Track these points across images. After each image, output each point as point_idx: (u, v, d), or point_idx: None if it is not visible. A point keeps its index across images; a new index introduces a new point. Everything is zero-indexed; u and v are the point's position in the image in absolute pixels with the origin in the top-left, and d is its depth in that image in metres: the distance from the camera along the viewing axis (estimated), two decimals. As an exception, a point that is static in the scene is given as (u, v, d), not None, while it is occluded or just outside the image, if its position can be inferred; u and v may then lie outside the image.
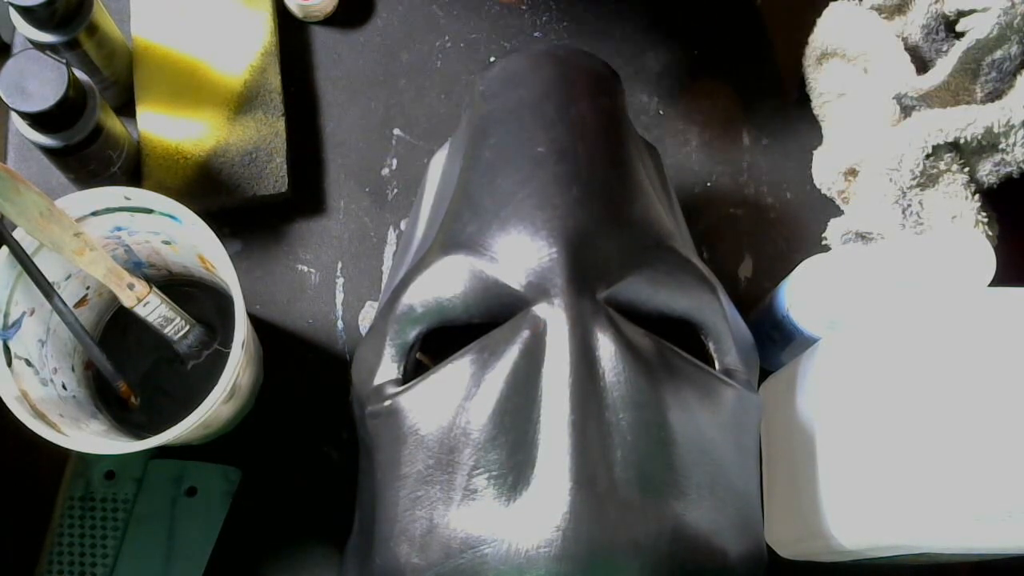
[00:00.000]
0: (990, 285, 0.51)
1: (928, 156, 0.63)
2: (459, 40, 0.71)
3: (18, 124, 0.58)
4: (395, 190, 0.69)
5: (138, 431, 0.61)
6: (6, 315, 0.54)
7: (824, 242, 0.68)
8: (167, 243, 0.59)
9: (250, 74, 0.67)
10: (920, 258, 0.52)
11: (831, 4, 0.66)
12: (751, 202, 0.69)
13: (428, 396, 0.47)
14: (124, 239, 0.58)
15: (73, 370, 0.60)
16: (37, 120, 0.56)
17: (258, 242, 0.67)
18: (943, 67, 0.62)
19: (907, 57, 0.63)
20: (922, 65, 0.64)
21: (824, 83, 0.68)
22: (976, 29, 0.61)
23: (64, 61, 0.55)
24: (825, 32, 0.67)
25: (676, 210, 0.56)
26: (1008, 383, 0.47)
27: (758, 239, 0.69)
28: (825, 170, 0.68)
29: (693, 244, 0.56)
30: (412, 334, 0.50)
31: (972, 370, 0.48)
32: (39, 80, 0.55)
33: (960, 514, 0.46)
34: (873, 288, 0.55)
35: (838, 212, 0.68)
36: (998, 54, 0.62)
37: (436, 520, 0.46)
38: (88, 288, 0.60)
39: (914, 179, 0.64)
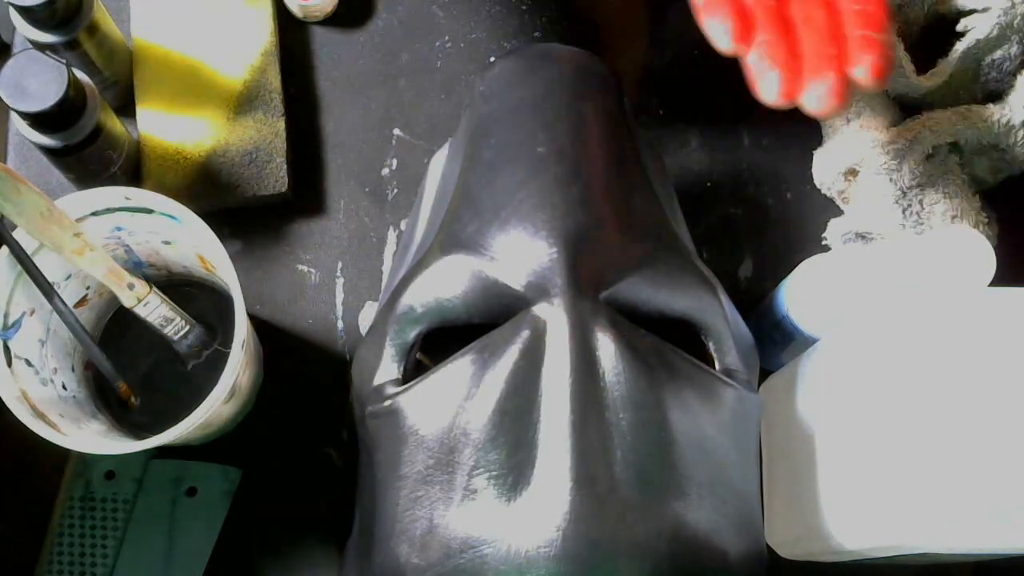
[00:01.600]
0: (990, 285, 0.51)
1: (928, 156, 0.63)
2: (459, 40, 0.71)
3: (18, 124, 0.58)
4: (395, 190, 0.69)
5: (138, 431, 0.61)
6: (6, 315, 0.54)
7: (824, 242, 0.68)
8: (167, 243, 0.59)
9: (250, 74, 0.67)
10: (920, 258, 0.52)
11: (831, 4, 0.66)
12: (751, 202, 0.69)
13: (428, 396, 0.47)
14: (124, 239, 0.58)
15: (73, 370, 0.60)
16: (37, 120, 0.56)
17: (258, 242, 0.67)
18: (943, 67, 0.62)
19: (907, 57, 0.63)
20: (922, 65, 0.64)
21: (824, 83, 0.68)
22: (976, 29, 0.61)
23: (64, 61, 0.55)
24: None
25: (676, 210, 0.56)
26: (1008, 383, 0.47)
27: (758, 239, 0.69)
28: (825, 170, 0.68)
29: (693, 244, 0.56)
30: (412, 334, 0.50)
31: (972, 370, 0.47)
32: (39, 80, 0.55)
33: (961, 514, 0.46)
34: (873, 288, 0.55)
35: (838, 212, 0.68)
36: (998, 54, 0.62)
37: (436, 520, 0.46)
38: (88, 288, 0.60)
39: (914, 179, 0.64)
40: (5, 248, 0.53)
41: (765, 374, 0.62)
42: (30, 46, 0.60)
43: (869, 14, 0.48)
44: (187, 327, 0.60)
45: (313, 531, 0.63)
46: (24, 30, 0.60)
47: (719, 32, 0.48)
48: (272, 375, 0.65)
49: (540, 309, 0.46)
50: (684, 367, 0.48)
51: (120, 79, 0.66)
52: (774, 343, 0.62)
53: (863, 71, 0.46)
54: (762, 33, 0.48)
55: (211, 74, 0.67)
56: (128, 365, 0.61)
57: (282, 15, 0.70)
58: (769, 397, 0.61)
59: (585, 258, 0.47)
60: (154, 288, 0.58)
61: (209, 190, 0.65)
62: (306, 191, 0.68)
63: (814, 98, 0.46)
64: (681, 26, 0.73)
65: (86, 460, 0.61)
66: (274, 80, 0.67)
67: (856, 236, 0.65)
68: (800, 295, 0.58)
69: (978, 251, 0.51)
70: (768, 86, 0.47)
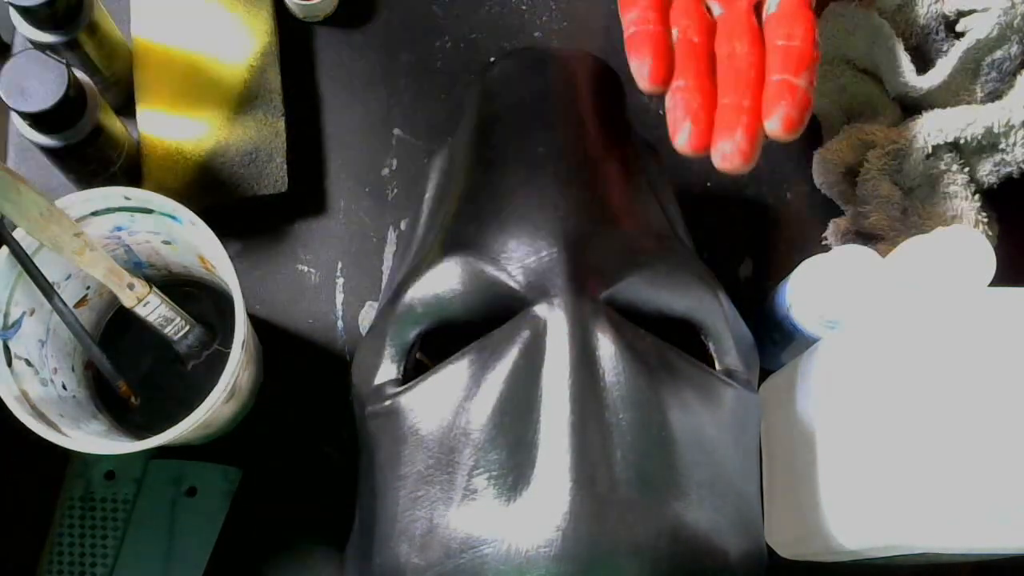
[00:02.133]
0: (990, 285, 0.51)
1: (928, 156, 0.63)
2: (459, 40, 0.71)
3: (18, 124, 0.58)
4: (395, 190, 0.69)
5: (138, 431, 0.61)
6: (6, 315, 0.54)
7: (824, 242, 0.68)
8: (167, 243, 0.59)
9: (250, 74, 0.67)
10: (920, 258, 0.52)
11: (831, 4, 0.66)
12: (751, 202, 0.69)
13: (428, 396, 0.47)
14: (124, 239, 0.58)
15: (73, 370, 0.61)
16: (37, 120, 0.56)
17: (258, 242, 0.67)
18: (943, 67, 0.62)
19: (907, 57, 0.63)
20: (922, 65, 0.64)
21: (824, 83, 0.68)
22: (976, 29, 0.61)
23: (64, 61, 0.55)
24: (825, 32, 0.67)
25: (676, 210, 0.56)
26: (1008, 383, 0.47)
27: (758, 239, 0.69)
28: (825, 170, 0.68)
29: (693, 244, 0.56)
30: (412, 334, 0.50)
31: (972, 370, 0.47)
32: (39, 80, 0.55)
33: (960, 514, 0.46)
34: (873, 288, 0.55)
35: (838, 212, 0.68)
36: (998, 54, 0.62)
37: (436, 520, 0.46)
38: (88, 288, 0.60)
39: (914, 179, 0.64)
40: (5, 248, 0.53)
41: (765, 374, 0.62)
42: (30, 46, 0.60)
43: (794, 51, 0.47)
44: (187, 327, 0.60)
45: (313, 531, 0.63)
46: (24, 30, 0.60)
47: (639, 72, 0.48)
48: (272, 375, 0.65)
49: (540, 309, 0.46)
50: (684, 367, 0.48)
51: (120, 79, 0.66)
52: (774, 343, 0.62)
53: (775, 124, 0.46)
54: (680, 76, 0.47)
55: (211, 74, 0.67)
56: (128, 365, 0.61)
57: (282, 15, 0.70)
58: (769, 397, 0.61)
59: (585, 258, 0.47)
60: (154, 288, 0.58)
61: (209, 190, 0.65)
62: (306, 191, 0.68)
63: (719, 155, 0.46)
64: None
65: (86, 460, 0.61)
66: (274, 80, 0.67)
67: (856, 236, 0.65)
68: (800, 295, 0.58)
69: (978, 251, 0.51)
70: (681, 137, 0.47)
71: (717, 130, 0.47)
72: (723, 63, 0.49)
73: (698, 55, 0.48)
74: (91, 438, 0.54)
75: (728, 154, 0.46)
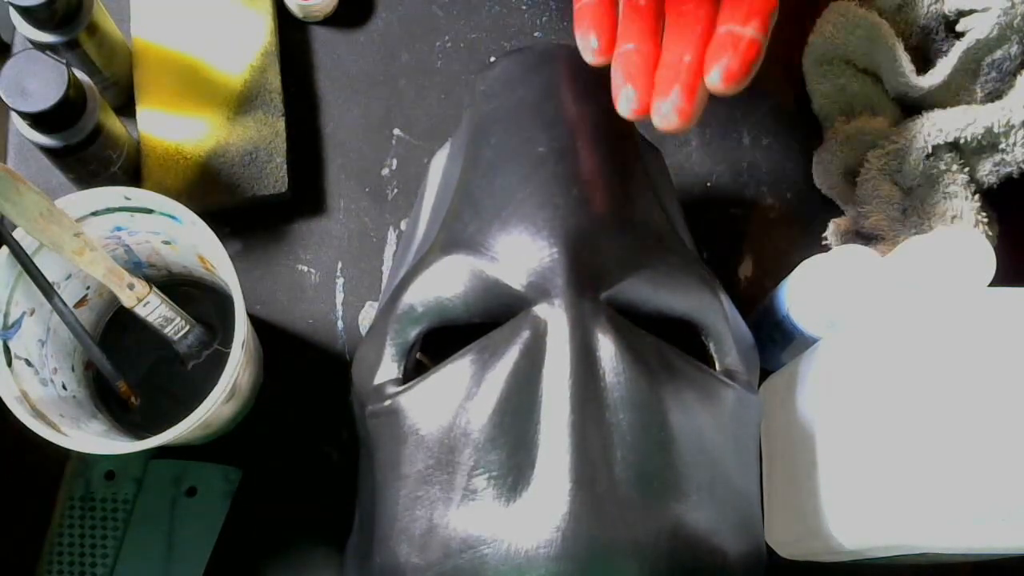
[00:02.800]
0: (990, 285, 0.51)
1: (928, 156, 0.63)
2: (459, 40, 0.71)
3: (18, 124, 0.58)
4: (395, 190, 0.69)
5: (138, 431, 0.61)
6: (6, 315, 0.54)
7: (824, 242, 0.68)
8: (167, 243, 0.59)
9: (250, 74, 0.67)
10: (920, 258, 0.52)
11: (831, 4, 0.67)
12: (751, 202, 0.70)
13: (428, 396, 0.47)
14: (124, 239, 0.58)
15: (73, 370, 0.61)
16: (37, 120, 0.56)
17: (258, 242, 0.67)
18: (943, 67, 0.62)
19: (907, 57, 0.63)
20: (922, 65, 0.64)
21: (824, 83, 0.68)
22: (976, 29, 0.61)
23: (64, 61, 0.55)
24: (825, 32, 0.67)
25: (677, 210, 0.56)
26: (1008, 383, 0.47)
27: (758, 239, 0.69)
28: (825, 170, 0.68)
29: (693, 244, 0.56)
30: (412, 334, 0.50)
31: (972, 370, 0.48)
32: (39, 80, 0.55)
33: (960, 514, 0.46)
34: (873, 288, 0.55)
35: (838, 212, 0.68)
36: (998, 54, 0.62)
37: (436, 520, 0.46)
38: (88, 288, 0.60)
39: (914, 179, 0.64)
40: (5, 248, 0.53)
41: (765, 374, 0.62)
42: (30, 46, 0.60)
43: (750, 4, 0.45)
44: (187, 327, 0.60)
45: (313, 531, 0.63)
46: (24, 30, 0.60)
47: (585, 47, 0.47)
48: (272, 375, 0.65)
49: (540, 309, 0.46)
50: (684, 368, 0.48)
51: (120, 79, 0.66)
52: (774, 343, 0.62)
53: (715, 77, 0.44)
54: (623, 41, 0.46)
55: (211, 74, 0.67)
56: (128, 365, 0.61)
57: (282, 15, 0.70)
58: (769, 397, 0.61)
59: (585, 258, 0.47)
60: (154, 288, 0.58)
61: (209, 190, 0.65)
62: (306, 191, 0.68)
63: (657, 116, 0.45)
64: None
65: (86, 460, 0.61)
66: (274, 80, 0.67)
67: (856, 236, 0.65)
68: (800, 295, 0.58)
69: (978, 251, 0.51)
70: (623, 102, 0.45)
71: (655, 90, 0.45)
72: (671, 23, 0.46)
73: (643, 16, 0.46)
74: (91, 438, 0.54)
75: (666, 114, 0.44)
